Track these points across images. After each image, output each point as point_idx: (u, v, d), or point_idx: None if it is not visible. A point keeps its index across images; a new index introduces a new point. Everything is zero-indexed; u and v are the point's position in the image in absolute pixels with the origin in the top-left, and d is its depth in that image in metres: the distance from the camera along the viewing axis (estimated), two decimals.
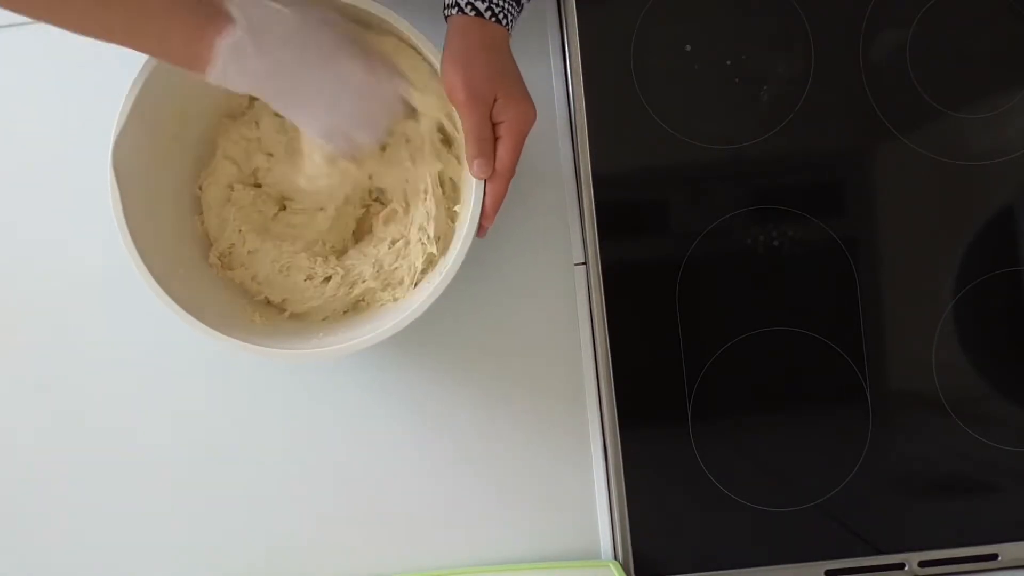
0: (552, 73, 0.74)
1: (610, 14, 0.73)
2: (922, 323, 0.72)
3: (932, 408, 0.72)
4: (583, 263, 0.72)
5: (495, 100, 0.59)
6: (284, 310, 0.68)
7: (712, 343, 0.72)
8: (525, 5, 0.61)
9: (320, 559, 0.70)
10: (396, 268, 0.66)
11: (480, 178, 0.61)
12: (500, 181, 0.61)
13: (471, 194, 0.60)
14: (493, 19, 0.59)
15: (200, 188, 0.68)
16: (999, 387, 0.72)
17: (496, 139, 0.60)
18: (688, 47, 0.73)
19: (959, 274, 0.73)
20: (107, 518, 0.71)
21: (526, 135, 0.61)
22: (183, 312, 0.59)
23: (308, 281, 0.67)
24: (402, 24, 0.61)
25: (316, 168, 0.65)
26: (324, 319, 0.68)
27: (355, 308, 0.69)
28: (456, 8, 0.59)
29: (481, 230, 0.61)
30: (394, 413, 0.71)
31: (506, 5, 0.59)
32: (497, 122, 0.60)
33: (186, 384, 0.72)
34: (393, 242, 0.67)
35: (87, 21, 0.53)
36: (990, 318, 0.73)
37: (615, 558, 0.70)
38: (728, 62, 0.73)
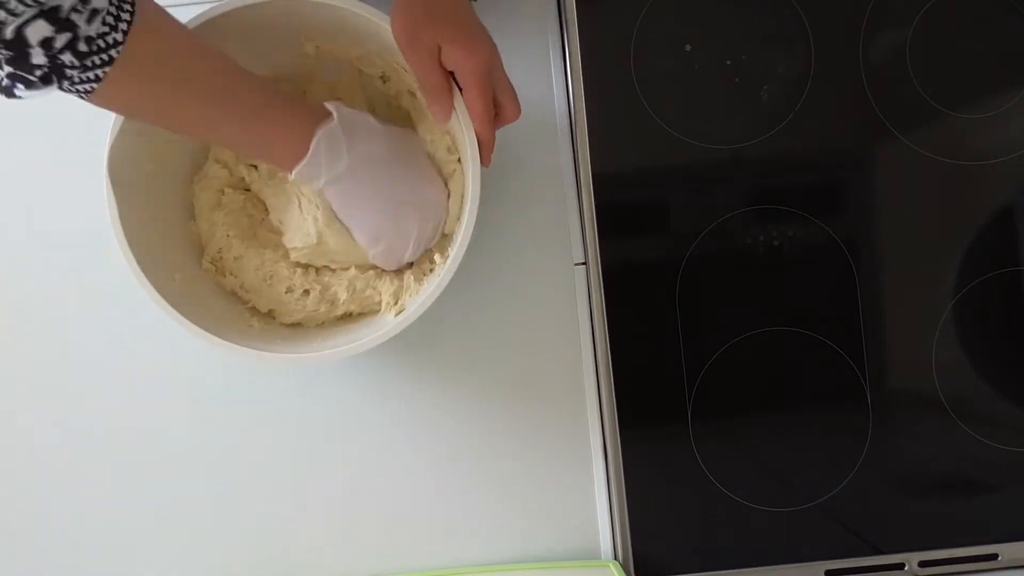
0: (552, 73, 0.74)
1: (610, 14, 0.73)
2: (922, 323, 0.72)
3: (932, 408, 0.72)
4: (583, 263, 0.72)
5: (440, 48, 0.57)
6: (274, 319, 0.68)
7: (712, 343, 0.72)
8: None
9: (320, 560, 0.70)
10: (368, 294, 0.66)
11: (440, 123, 0.61)
12: (478, 128, 0.60)
13: (468, 193, 0.60)
14: None
15: (193, 192, 0.68)
16: (999, 387, 0.72)
17: (460, 88, 0.60)
18: (688, 47, 0.73)
19: (959, 274, 0.73)
20: (106, 520, 0.71)
21: (483, 77, 0.58)
22: (179, 316, 0.59)
23: (289, 294, 0.67)
24: None
25: (306, 234, 0.65)
26: (320, 325, 0.68)
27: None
28: None
29: (484, 160, 0.61)
30: (393, 413, 0.71)
31: None
32: (451, 71, 0.59)
33: (185, 388, 0.71)
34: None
35: (194, 126, 0.57)
36: (990, 318, 0.73)
37: (615, 558, 0.70)
38: (728, 62, 0.73)
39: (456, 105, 0.60)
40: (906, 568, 0.70)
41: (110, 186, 0.60)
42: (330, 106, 0.60)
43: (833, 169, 0.74)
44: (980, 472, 0.72)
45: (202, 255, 0.68)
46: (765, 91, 0.73)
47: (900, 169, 0.73)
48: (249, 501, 0.71)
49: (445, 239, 0.66)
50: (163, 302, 0.59)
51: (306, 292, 0.67)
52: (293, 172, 0.59)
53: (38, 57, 0.46)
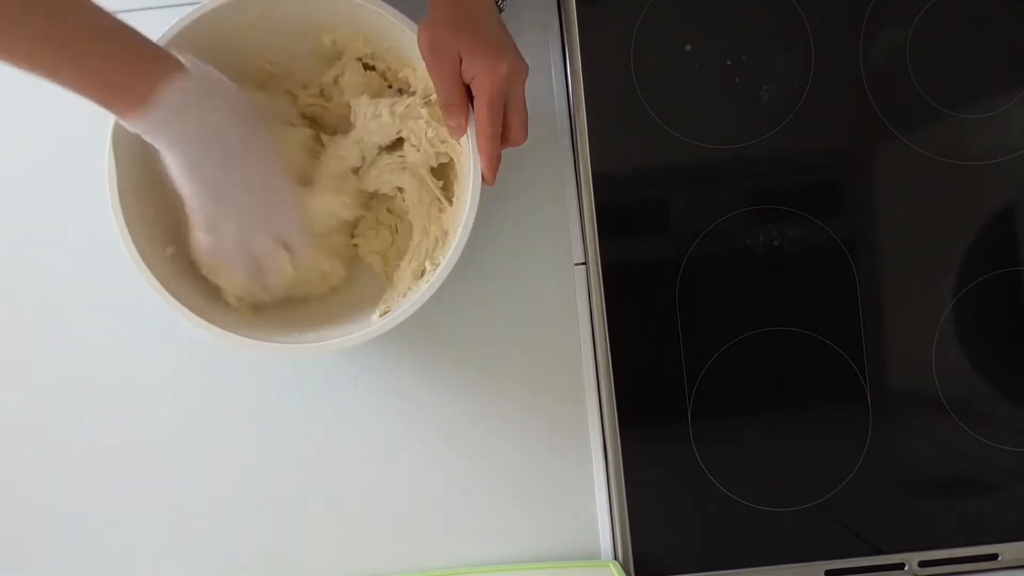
0: (552, 73, 0.74)
1: (610, 14, 0.73)
2: (922, 323, 0.72)
3: (932, 408, 0.72)
4: (583, 263, 0.72)
5: (461, 58, 0.56)
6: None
7: (712, 343, 0.72)
8: None
9: (318, 558, 0.70)
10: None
11: (454, 137, 0.60)
12: (483, 144, 0.58)
13: (467, 191, 0.60)
14: None
15: None
16: (999, 387, 0.72)
17: (473, 98, 0.58)
18: (688, 47, 0.73)
19: (959, 274, 0.73)
20: (105, 518, 0.71)
21: (500, 90, 0.56)
22: (178, 304, 0.59)
23: None
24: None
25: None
26: (313, 310, 0.67)
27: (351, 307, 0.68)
28: None
29: (487, 180, 0.59)
30: (393, 412, 0.71)
31: None
32: (468, 80, 0.57)
33: (181, 379, 0.71)
34: None
35: (16, 55, 0.49)
36: (990, 318, 0.73)
37: (615, 558, 0.70)
38: (728, 62, 0.73)
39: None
40: (906, 568, 0.70)
41: (113, 163, 0.59)
42: (186, 60, 0.54)
43: (833, 169, 0.74)
44: (980, 472, 0.72)
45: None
46: (765, 91, 0.73)
47: (900, 169, 0.73)
48: (248, 500, 0.71)
49: (440, 244, 0.66)
50: (157, 284, 0.59)
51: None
52: (136, 121, 0.53)
53: None
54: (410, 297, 0.61)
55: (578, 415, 0.71)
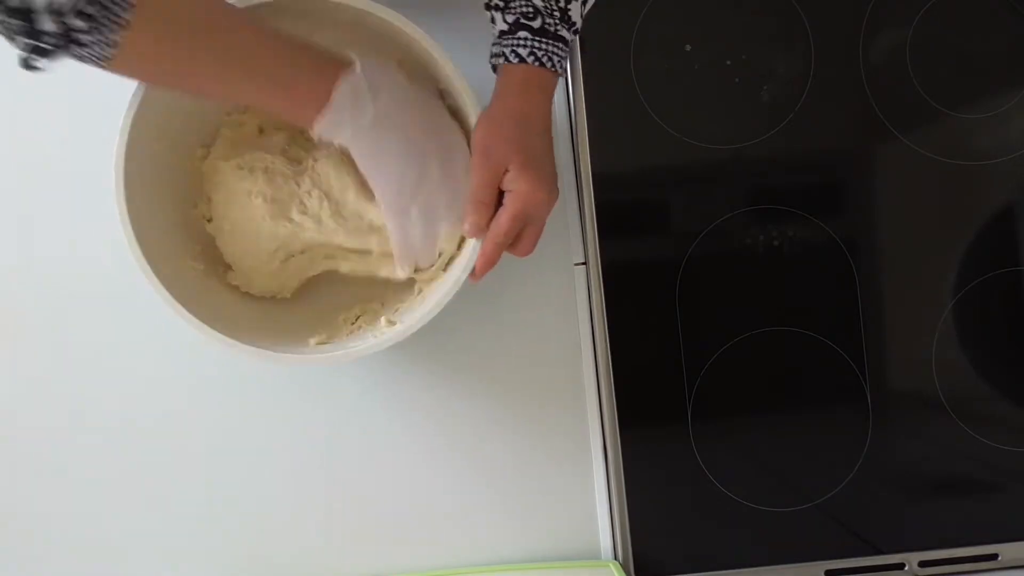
0: None
1: (610, 14, 0.73)
2: (922, 323, 0.72)
3: (932, 408, 0.72)
4: (583, 263, 0.72)
5: (507, 170, 0.58)
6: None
7: (712, 343, 0.72)
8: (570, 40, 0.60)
9: (320, 559, 0.70)
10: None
11: (470, 236, 0.60)
12: (489, 245, 0.60)
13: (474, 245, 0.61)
14: (538, 64, 0.58)
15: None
16: (999, 387, 0.72)
17: (501, 208, 0.60)
18: (688, 47, 0.73)
19: (959, 274, 0.73)
20: (106, 519, 0.71)
21: (528, 214, 0.59)
22: (187, 313, 0.59)
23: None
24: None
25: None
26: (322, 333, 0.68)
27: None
28: (502, 57, 0.59)
29: (472, 277, 0.61)
30: (392, 412, 0.71)
31: (549, 47, 0.58)
32: (505, 191, 0.59)
33: (187, 385, 0.71)
34: None
35: (212, 84, 0.55)
36: (990, 318, 0.73)
37: (615, 558, 0.70)
38: (728, 62, 0.73)
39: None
40: (906, 568, 0.70)
41: (121, 175, 0.59)
42: (352, 55, 0.58)
43: (833, 169, 0.74)
44: (980, 472, 0.72)
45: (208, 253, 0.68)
46: (765, 91, 0.73)
47: (900, 169, 0.73)
48: (249, 500, 0.71)
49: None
50: (165, 292, 0.59)
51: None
52: (316, 125, 0.56)
53: (46, 23, 0.45)
54: (419, 309, 0.61)
55: (578, 415, 0.71)
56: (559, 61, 0.59)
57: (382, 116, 0.58)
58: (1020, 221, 0.73)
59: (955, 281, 0.73)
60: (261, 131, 0.68)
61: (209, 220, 0.67)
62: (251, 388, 0.71)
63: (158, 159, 0.63)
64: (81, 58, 0.49)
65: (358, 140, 0.58)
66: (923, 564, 0.70)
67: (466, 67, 0.61)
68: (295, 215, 0.65)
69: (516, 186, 0.58)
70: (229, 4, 0.55)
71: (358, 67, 0.57)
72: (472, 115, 0.61)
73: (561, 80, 0.73)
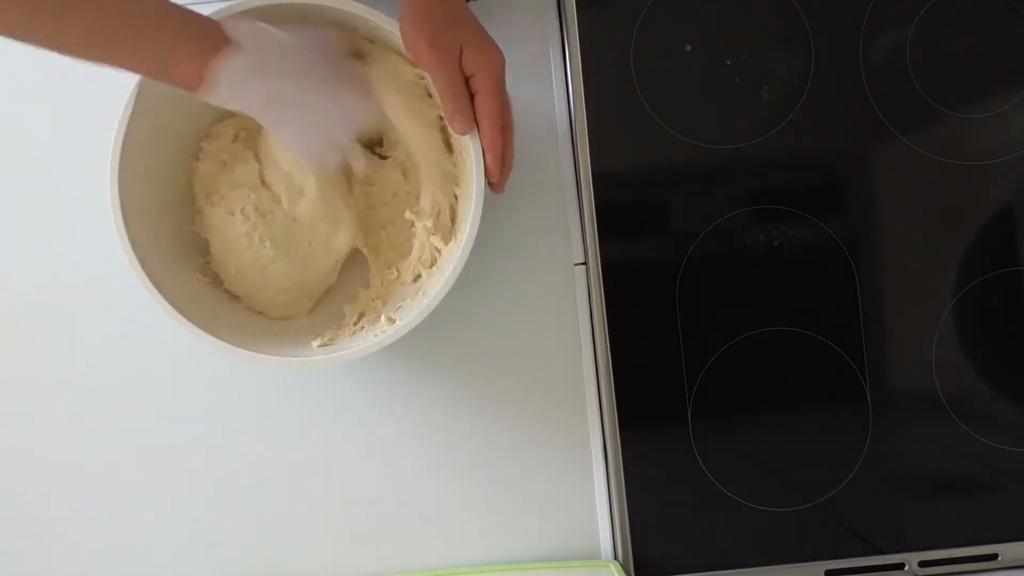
0: (552, 73, 0.74)
1: (610, 14, 0.73)
2: (922, 323, 0.72)
3: (932, 408, 0.72)
4: (583, 263, 0.72)
5: (461, 51, 0.57)
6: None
7: (712, 343, 0.72)
8: None
9: (320, 559, 0.70)
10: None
11: (463, 133, 0.60)
12: (492, 134, 0.59)
13: (470, 208, 0.60)
14: None
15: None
16: (999, 387, 0.72)
17: (474, 93, 0.59)
18: (688, 47, 0.73)
19: (959, 274, 0.73)
20: (107, 521, 0.71)
21: (502, 82, 0.59)
22: (182, 319, 0.59)
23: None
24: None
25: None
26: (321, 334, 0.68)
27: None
28: None
29: (496, 186, 0.60)
30: (392, 412, 0.71)
31: None
32: (469, 75, 0.58)
33: (185, 388, 0.71)
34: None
35: (83, 51, 0.52)
36: (990, 318, 0.73)
37: (615, 558, 0.70)
38: (728, 62, 0.73)
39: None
40: (906, 568, 0.70)
41: (116, 185, 0.59)
42: (229, 28, 0.55)
43: (833, 169, 0.74)
44: (980, 472, 0.72)
45: (201, 256, 0.68)
46: (765, 91, 0.73)
47: (900, 169, 0.73)
48: (248, 502, 0.71)
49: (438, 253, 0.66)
50: (162, 301, 0.59)
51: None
52: (201, 96, 0.55)
53: None
54: (414, 307, 0.61)
55: (578, 415, 0.71)
56: None
57: (272, 92, 0.57)
58: (1020, 221, 0.73)
59: (955, 281, 0.73)
60: (235, 138, 0.68)
61: (208, 261, 0.68)
62: (251, 390, 0.72)
63: (152, 171, 0.63)
64: None
65: (250, 111, 0.58)
66: (923, 564, 0.70)
67: None
68: (304, 245, 0.66)
69: (481, 61, 0.57)
70: None
71: (241, 42, 0.55)
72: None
73: (561, 80, 0.73)
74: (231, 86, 0.55)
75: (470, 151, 0.60)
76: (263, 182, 0.66)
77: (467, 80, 0.59)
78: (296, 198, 0.66)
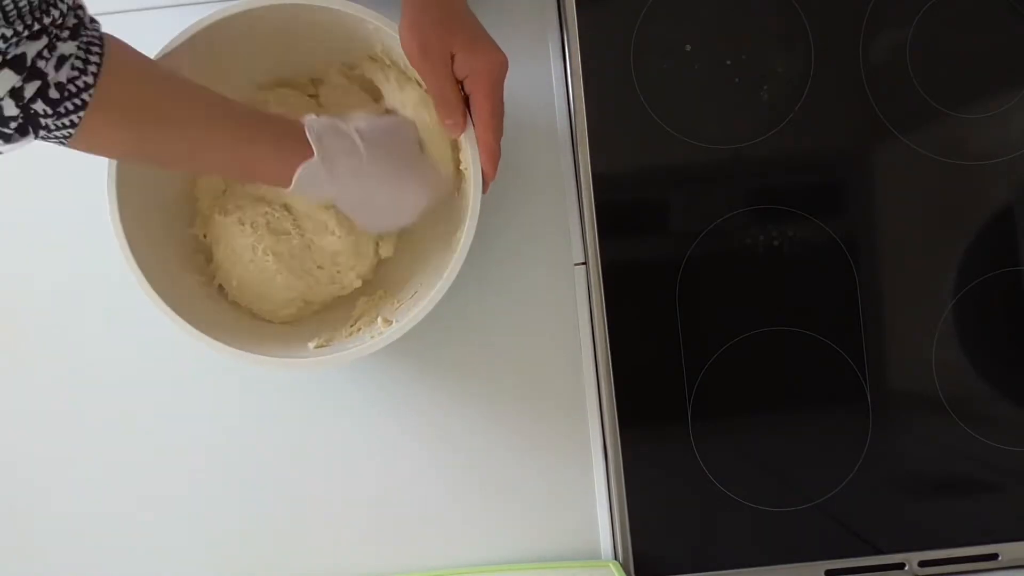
0: (552, 73, 0.74)
1: (610, 14, 0.73)
2: (922, 323, 0.72)
3: (932, 408, 0.72)
4: (583, 263, 0.72)
5: (453, 56, 0.57)
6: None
7: (712, 343, 0.72)
8: None
9: (320, 559, 0.70)
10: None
11: (455, 136, 0.61)
12: (484, 135, 0.59)
13: (471, 199, 0.60)
14: None
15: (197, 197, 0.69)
16: (999, 387, 0.72)
17: (467, 95, 0.59)
18: (688, 47, 0.73)
19: (959, 274, 0.73)
20: (107, 521, 0.71)
21: (498, 84, 0.59)
22: (181, 321, 0.59)
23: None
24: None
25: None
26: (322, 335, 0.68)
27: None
28: None
29: (485, 185, 0.61)
30: (392, 413, 0.71)
31: None
32: (462, 78, 0.58)
33: (186, 390, 0.71)
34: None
35: (175, 165, 0.59)
36: (990, 318, 0.73)
37: (615, 558, 0.70)
38: (728, 62, 0.73)
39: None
40: (906, 568, 0.70)
41: (114, 186, 0.59)
42: (310, 134, 0.57)
43: (833, 169, 0.74)
44: (980, 472, 0.72)
45: (202, 258, 0.68)
46: (765, 91, 0.73)
47: (900, 169, 0.73)
48: (249, 502, 0.71)
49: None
50: (162, 303, 0.59)
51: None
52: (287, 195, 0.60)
53: (9, 109, 0.45)
54: (412, 307, 0.61)
55: (578, 415, 0.71)
56: None
57: (342, 189, 0.60)
58: (1020, 221, 0.73)
59: (955, 281, 0.73)
60: None
61: (210, 261, 0.68)
62: (251, 391, 0.72)
63: (152, 172, 0.63)
64: (45, 138, 0.49)
65: (328, 201, 0.63)
66: (923, 564, 0.70)
67: None
68: (312, 269, 0.66)
69: (472, 66, 0.58)
70: (189, 84, 0.55)
71: (317, 154, 0.57)
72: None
73: (561, 80, 0.73)
74: (308, 184, 0.58)
75: (468, 154, 0.60)
76: (286, 204, 0.67)
77: (462, 82, 0.59)
78: (322, 231, 0.66)
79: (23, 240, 0.73)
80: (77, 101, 0.47)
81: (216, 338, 0.59)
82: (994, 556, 0.70)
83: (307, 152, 0.57)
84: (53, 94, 0.46)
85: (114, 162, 0.59)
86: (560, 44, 0.74)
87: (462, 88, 0.59)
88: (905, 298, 0.73)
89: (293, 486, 0.71)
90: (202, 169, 0.62)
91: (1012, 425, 0.72)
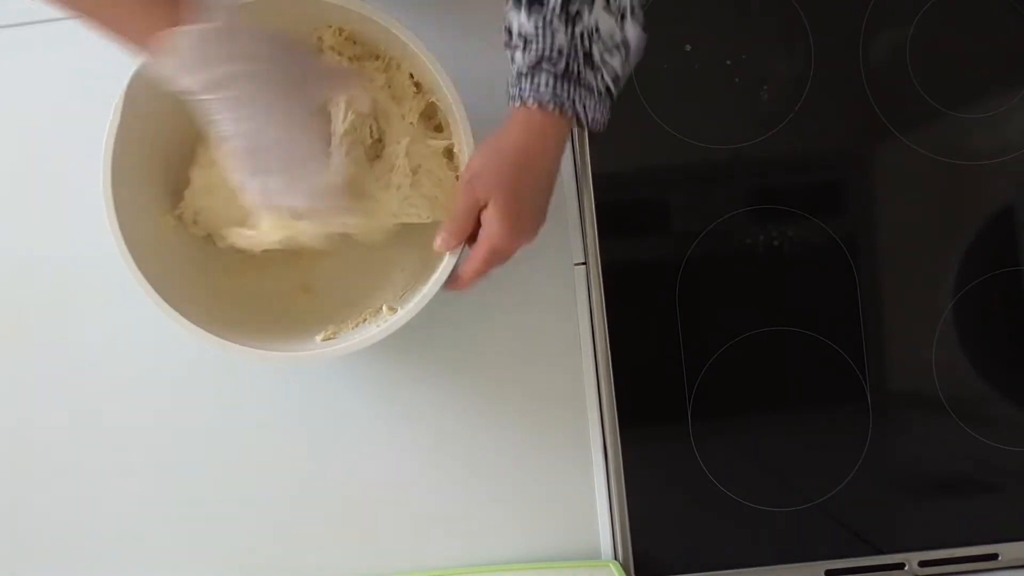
0: None
1: None
2: (922, 323, 0.72)
3: (932, 408, 0.72)
4: (583, 263, 0.72)
5: (485, 205, 0.56)
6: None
7: (712, 343, 0.72)
8: (611, 89, 0.56)
9: (320, 560, 0.70)
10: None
11: (438, 249, 0.59)
12: (464, 271, 0.58)
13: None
14: (558, 111, 0.54)
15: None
16: (999, 387, 0.72)
17: (483, 224, 0.57)
18: (688, 47, 0.73)
19: (959, 274, 0.73)
20: (104, 517, 0.71)
21: (498, 254, 0.57)
22: (176, 315, 0.59)
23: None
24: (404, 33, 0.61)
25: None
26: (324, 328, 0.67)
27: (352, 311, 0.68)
28: (519, 98, 0.55)
29: (451, 288, 0.60)
30: (393, 412, 0.71)
31: (572, 93, 0.54)
32: (483, 222, 0.57)
33: (184, 386, 0.71)
34: None
35: None
36: (990, 318, 0.73)
37: (615, 558, 0.70)
38: (728, 62, 0.73)
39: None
40: (906, 568, 0.70)
41: (108, 175, 0.59)
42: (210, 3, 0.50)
43: (833, 169, 0.74)
44: (980, 472, 0.72)
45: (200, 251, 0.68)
46: (765, 91, 0.73)
47: (900, 169, 0.73)
48: (249, 502, 0.71)
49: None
50: (157, 297, 0.59)
51: None
52: (145, 57, 0.51)
53: None
54: (409, 301, 0.61)
55: (578, 415, 0.71)
56: (582, 108, 0.55)
57: (240, 72, 0.51)
58: (1020, 221, 0.73)
59: (955, 281, 0.73)
60: None
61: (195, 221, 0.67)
62: (251, 392, 0.72)
63: (144, 165, 0.63)
64: None
65: (211, 93, 0.51)
66: (923, 564, 0.70)
67: (447, 61, 0.61)
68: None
69: (490, 228, 0.56)
70: None
71: (215, 17, 0.49)
72: (459, 119, 0.61)
73: None
74: (197, 54, 0.49)
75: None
76: None
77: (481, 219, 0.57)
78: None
79: (21, 231, 0.73)
80: None
81: (217, 334, 0.59)
82: (994, 556, 0.70)
83: (195, 17, 0.49)
84: None
85: (109, 161, 0.59)
86: None
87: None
88: (905, 298, 0.73)
89: (293, 487, 0.71)
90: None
91: (1012, 425, 0.72)
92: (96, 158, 0.59)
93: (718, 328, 0.72)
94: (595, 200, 0.72)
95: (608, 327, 0.71)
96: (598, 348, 0.71)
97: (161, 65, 0.50)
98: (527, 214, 0.57)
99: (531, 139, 0.56)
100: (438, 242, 0.59)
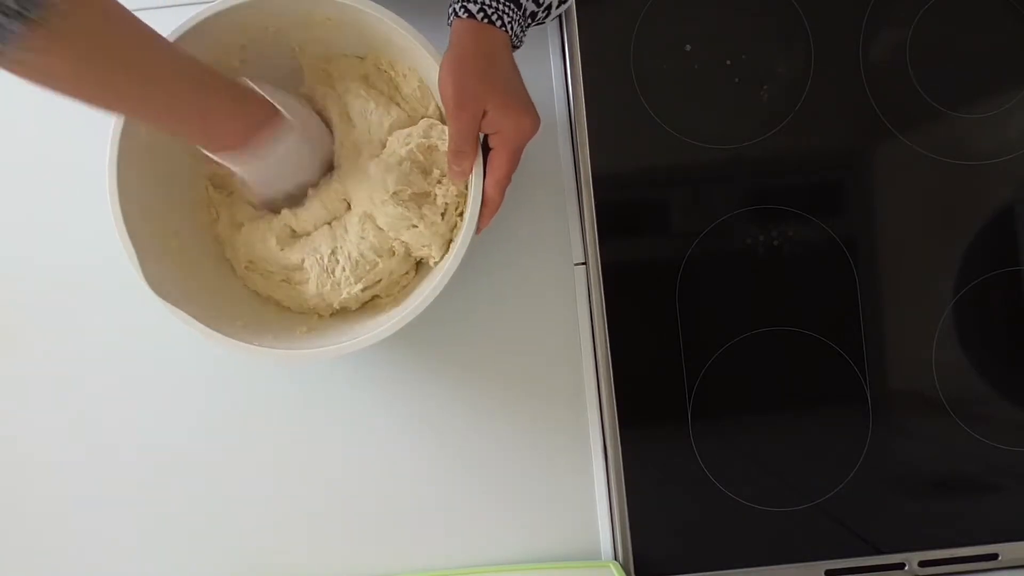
0: (552, 73, 0.74)
1: (610, 14, 0.73)
2: (922, 323, 0.72)
3: (932, 408, 0.72)
4: (583, 263, 0.72)
5: (485, 112, 0.57)
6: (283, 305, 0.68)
7: (712, 343, 0.72)
8: (536, 13, 0.59)
9: (320, 559, 0.70)
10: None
11: (455, 181, 0.61)
12: (492, 189, 0.59)
13: (473, 195, 0.60)
14: (487, 21, 0.57)
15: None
16: (999, 387, 0.72)
17: (490, 147, 0.59)
18: (688, 47, 0.73)
19: (959, 274, 0.73)
20: (104, 517, 0.71)
21: (521, 147, 0.59)
22: (179, 312, 0.59)
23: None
24: (408, 29, 0.61)
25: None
26: (328, 316, 0.68)
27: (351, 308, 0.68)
28: (452, 13, 0.58)
29: (477, 229, 0.61)
30: (393, 413, 0.71)
31: (500, 6, 0.57)
32: (490, 133, 0.59)
33: (184, 383, 0.72)
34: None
35: (129, 110, 0.55)
36: (990, 318, 0.73)
37: (615, 558, 0.70)
38: (728, 62, 0.73)
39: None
40: (906, 568, 0.70)
41: (114, 174, 0.60)
42: (274, 98, 0.58)
43: (833, 169, 0.74)
44: (980, 472, 0.72)
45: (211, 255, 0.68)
46: (765, 91, 0.73)
47: (900, 169, 0.73)
48: (249, 501, 0.71)
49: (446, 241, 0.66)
50: (158, 298, 0.59)
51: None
52: (223, 156, 0.58)
53: None
54: (410, 301, 0.61)
55: (578, 415, 0.71)
56: (509, 22, 0.57)
57: (283, 158, 0.61)
58: (1020, 221, 0.73)
59: (955, 281, 0.73)
60: None
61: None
62: (249, 391, 0.72)
63: (148, 165, 0.63)
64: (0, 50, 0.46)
65: (254, 171, 0.62)
66: (923, 564, 0.70)
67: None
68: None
69: (503, 125, 0.58)
70: (153, 32, 0.53)
71: (283, 113, 0.58)
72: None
73: (561, 80, 0.73)
74: (260, 151, 0.58)
75: (473, 189, 0.61)
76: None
77: (488, 136, 0.59)
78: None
79: (22, 231, 0.73)
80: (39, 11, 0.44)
81: (221, 331, 0.59)
82: (994, 556, 0.70)
83: (269, 113, 0.57)
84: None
85: (115, 161, 0.59)
86: (560, 44, 0.74)
87: (484, 139, 0.59)
88: (905, 298, 0.73)
89: (293, 487, 0.71)
90: (152, 116, 0.56)
91: (1012, 425, 0.72)
92: (99, 158, 0.59)
93: (718, 328, 0.72)
94: (595, 200, 0.72)
95: (608, 327, 0.71)
96: (598, 348, 0.71)
97: (240, 163, 0.58)
98: (523, 98, 0.59)
99: (479, 42, 0.57)
100: (454, 174, 0.60)
